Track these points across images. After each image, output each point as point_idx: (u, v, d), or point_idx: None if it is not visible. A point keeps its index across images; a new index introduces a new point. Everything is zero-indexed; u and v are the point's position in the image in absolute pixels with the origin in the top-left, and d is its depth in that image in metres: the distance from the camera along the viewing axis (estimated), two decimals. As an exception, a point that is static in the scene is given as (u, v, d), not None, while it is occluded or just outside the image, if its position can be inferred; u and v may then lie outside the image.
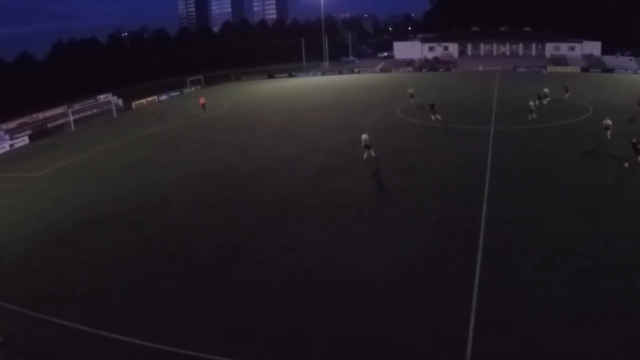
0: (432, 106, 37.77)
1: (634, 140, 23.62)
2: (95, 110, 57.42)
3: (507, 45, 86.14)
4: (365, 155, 28.68)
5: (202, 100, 53.03)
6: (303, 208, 22.56)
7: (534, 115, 35.64)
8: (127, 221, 22.71)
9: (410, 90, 45.90)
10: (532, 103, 36.63)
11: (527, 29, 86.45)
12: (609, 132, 29.05)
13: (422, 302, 14.46)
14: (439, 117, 37.05)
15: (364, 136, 28.95)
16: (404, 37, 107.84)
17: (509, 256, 16.60)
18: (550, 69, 71.41)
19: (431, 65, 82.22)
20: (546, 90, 42.59)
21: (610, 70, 66.88)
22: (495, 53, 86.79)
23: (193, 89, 73.84)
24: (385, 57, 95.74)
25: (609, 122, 29.57)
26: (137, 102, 61.52)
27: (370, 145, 28.65)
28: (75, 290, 16.63)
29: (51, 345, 13.75)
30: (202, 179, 28.26)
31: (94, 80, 76.51)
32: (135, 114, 57.29)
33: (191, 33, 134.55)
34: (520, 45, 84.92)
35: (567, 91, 47.35)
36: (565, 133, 32.41)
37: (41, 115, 51.82)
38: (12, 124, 47.82)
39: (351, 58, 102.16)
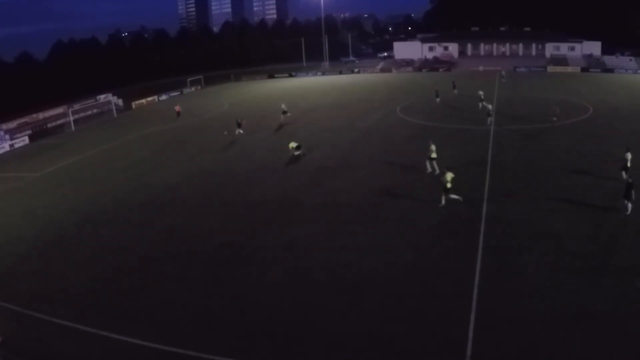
0: (238, 121, 37.90)
1: (630, 180, 19.48)
2: (95, 110, 57.43)
3: (507, 45, 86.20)
4: (297, 153, 30.41)
5: (177, 108, 50.50)
6: (303, 208, 22.55)
7: (492, 119, 35.78)
8: (127, 221, 22.71)
9: (283, 106, 43.84)
10: (490, 107, 36.67)
11: (527, 29, 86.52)
12: (447, 189, 20.96)
13: (422, 302, 14.46)
14: (241, 131, 37.30)
15: (292, 144, 30.54)
16: (404, 37, 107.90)
17: (509, 256, 16.60)
18: (551, 69, 71.50)
19: (431, 65, 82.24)
20: (480, 92, 42.94)
21: (610, 70, 66.91)
22: (495, 53, 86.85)
23: (193, 89, 73.87)
24: (385, 57, 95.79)
25: (433, 147, 24.62)
26: (137, 102, 61.53)
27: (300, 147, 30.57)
28: (75, 290, 16.63)
29: (51, 345, 13.76)
30: (202, 179, 28.26)
31: (94, 80, 76.53)
32: (135, 114, 57.28)
33: (191, 33, 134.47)
34: (520, 45, 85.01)
35: (454, 87, 51.08)
36: (565, 133, 32.42)
37: (41, 115, 51.85)
38: (12, 124, 47.85)
39: (351, 58, 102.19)
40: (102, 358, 13.16)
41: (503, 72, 63.04)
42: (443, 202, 20.93)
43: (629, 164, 22.06)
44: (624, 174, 21.83)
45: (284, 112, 42.59)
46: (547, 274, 15.27)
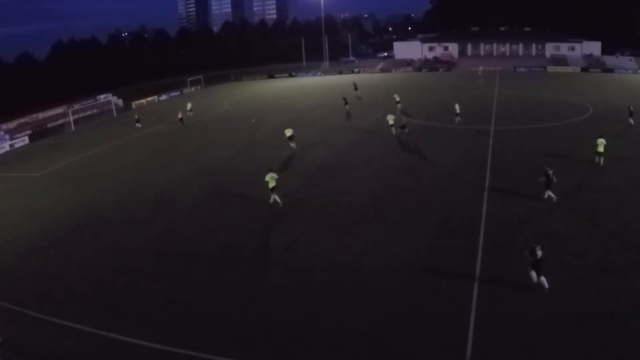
0: (136, 117, 43.03)
1: (550, 172, 20.52)
2: (95, 110, 57.45)
3: (507, 45, 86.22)
4: (292, 144, 32.17)
5: (180, 115, 45.70)
6: (303, 208, 22.55)
7: (459, 119, 36.24)
8: (127, 221, 22.72)
9: (189, 105, 49.25)
10: (457, 105, 37.05)
11: (527, 29, 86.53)
12: (271, 189, 22.07)
13: (422, 302, 14.46)
14: (139, 125, 43.70)
15: (287, 132, 32.38)
16: (404, 37, 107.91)
17: (509, 256, 16.59)
18: (551, 69, 71.52)
19: (431, 65, 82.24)
20: (396, 95, 44.21)
21: (610, 70, 66.90)
22: (495, 53, 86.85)
23: (193, 89, 73.88)
24: (385, 57, 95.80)
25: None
26: (137, 102, 61.55)
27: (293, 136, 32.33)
28: (75, 290, 16.64)
29: (51, 345, 13.75)
30: (202, 178, 28.25)
31: (94, 80, 76.53)
32: (135, 114, 57.19)
33: (191, 33, 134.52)
34: (520, 45, 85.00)
35: (356, 89, 52.75)
36: (565, 133, 32.43)
37: (41, 115, 51.87)
38: (12, 124, 47.89)
39: (351, 58, 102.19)
40: (102, 358, 13.15)
41: (480, 72, 64.39)
42: (272, 200, 22.02)
43: (600, 149, 24.53)
44: (597, 159, 24.72)
45: (189, 111, 49.04)
46: (547, 274, 15.24)
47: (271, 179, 21.91)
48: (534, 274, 14.33)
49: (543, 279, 14.22)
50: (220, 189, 26.14)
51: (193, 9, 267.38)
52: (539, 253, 14.29)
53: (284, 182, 26.38)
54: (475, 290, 14.59)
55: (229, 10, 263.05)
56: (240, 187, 26.12)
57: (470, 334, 12.67)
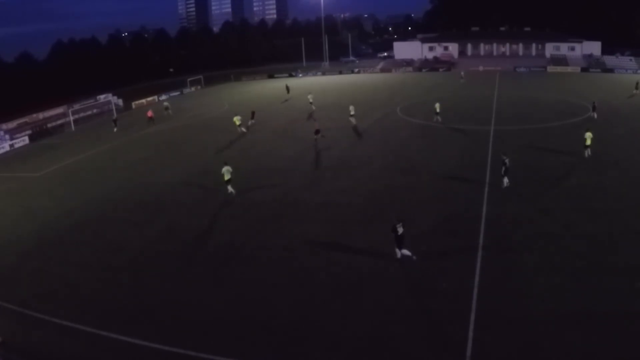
0: (114, 119, 44.99)
1: (506, 160, 21.89)
2: (95, 110, 57.39)
3: (507, 45, 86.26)
4: (243, 129, 37.63)
5: (149, 113, 46.85)
6: (303, 208, 22.55)
7: (439, 118, 36.90)
8: (127, 221, 22.70)
9: (157, 109, 50.39)
10: (437, 104, 37.61)
11: (527, 29, 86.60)
12: (227, 181, 24.15)
13: (422, 302, 14.46)
14: (116, 129, 44.12)
15: (243, 118, 38.24)
16: (404, 37, 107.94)
17: (509, 256, 16.60)
18: (551, 69, 71.53)
19: (431, 65, 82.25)
20: (309, 96, 46.73)
21: (610, 70, 66.91)
22: (495, 53, 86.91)
23: (193, 89, 73.87)
24: (385, 57, 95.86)
25: (351, 108, 37.85)
26: (137, 102, 61.54)
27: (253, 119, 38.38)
28: (75, 290, 16.63)
29: (51, 345, 13.75)
30: (202, 178, 28.22)
31: (94, 80, 76.56)
32: (135, 114, 57.23)
33: (191, 33, 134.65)
34: (520, 45, 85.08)
35: (288, 91, 55.57)
36: (565, 133, 32.42)
37: (41, 115, 51.81)
38: (12, 124, 47.82)
39: (351, 58, 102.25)
40: (102, 358, 13.15)
41: (462, 73, 65.17)
42: (229, 191, 24.02)
43: (588, 142, 25.66)
44: (586, 152, 25.89)
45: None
46: (547, 274, 15.27)
47: (227, 172, 23.86)
48: (397, 250, 16.30)
49: (405, 251, 16.22)
50: (220, 189, 26.09)
51: (193, 9, 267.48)
52: (400, 230, 15.95)
53: (284, 182, 26.43)
54: (475, 290, 14.59)
55: (229, 10, 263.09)
56: (240, 187, 26.06)
57: (470, 334, 12.67)
